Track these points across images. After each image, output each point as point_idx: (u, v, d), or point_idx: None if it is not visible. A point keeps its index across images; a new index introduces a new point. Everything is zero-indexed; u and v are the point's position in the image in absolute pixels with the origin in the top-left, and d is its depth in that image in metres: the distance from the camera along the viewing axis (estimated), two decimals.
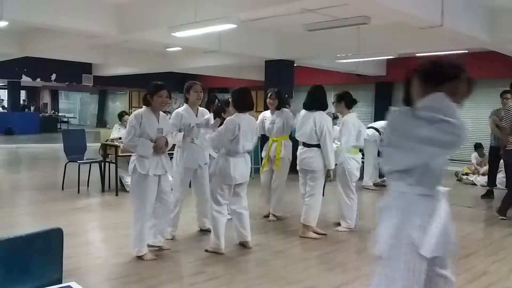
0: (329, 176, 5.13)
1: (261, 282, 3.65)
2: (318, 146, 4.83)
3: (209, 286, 3.59)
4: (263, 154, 5.61)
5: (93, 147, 9.29)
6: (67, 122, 23.61)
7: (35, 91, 26.75)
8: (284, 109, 5.57)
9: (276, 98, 5.54)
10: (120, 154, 6.78)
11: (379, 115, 12.96)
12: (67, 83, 17.17)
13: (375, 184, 8.24)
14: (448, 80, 1.98)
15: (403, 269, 2.00)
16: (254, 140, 4.51)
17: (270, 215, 5.71)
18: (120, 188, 7.09)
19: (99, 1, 7.16)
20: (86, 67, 15.85)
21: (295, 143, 5.35)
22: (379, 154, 8.56)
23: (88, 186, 7.44)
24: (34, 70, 14.95)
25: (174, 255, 4.35)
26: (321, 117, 4.85)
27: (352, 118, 5.28)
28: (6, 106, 21.97)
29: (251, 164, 9.34)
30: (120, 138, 6.90)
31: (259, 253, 4.47)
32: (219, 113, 4.60)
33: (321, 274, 3.91)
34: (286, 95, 6.62)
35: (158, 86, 4.03)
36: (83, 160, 7.31)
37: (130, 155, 7.04)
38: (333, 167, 4.94)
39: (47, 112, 24.57)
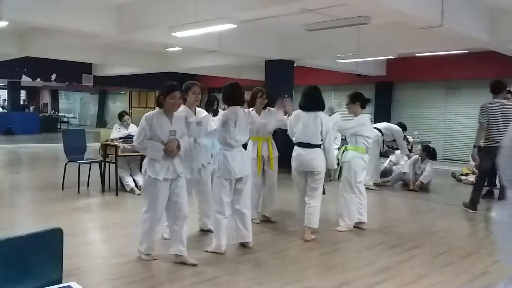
0: (330, 176, 5.10)
1: (261, 282, 3.65)
2: (319, 146, 4.82)
3: (209, 286, 3.59)
4: (254, 155, 5.38)
5: (93, 147, 9.28)
6: (67, 122, 23.60)
7: (35, 91, 26.76)
8: (271, 108, 5.50)
9: (267, 98, 5.47)
10: (120, 154, 6.78)
11: (379, 115, 12.96)
12: (67, 83, 17.18)
13: (375, 184, 8.24)
14: None
15: None
16: (247, 133, 4.55)
17: (261, 216, 5.58)
18: (120, 188, 7.09)
19: (99, 1, 7.16)
20: (86, 67, 15.86)
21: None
22: (381, 154, 8.60)
23: (88, 186, 7.44)
24: (34, 70, 14.95)
25: (173, 255, 4.34)
26: (326, 118, 4.85)
27: (366, 117, 5.29)
28: (6, 106, 21.97)
29: None
30: (120, 138, 6.91)
31: (259, 253, 4.47)
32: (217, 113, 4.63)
33: (321, 274, 3.91)
34: (286, 95, 6.58)
35: (171, 87, 3.90)
36: (83, 160, 7.31)
37: (130, 155, 7.14)
38: (335, 166, 4.95)
39: (47, 112, 24.57)
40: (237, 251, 4.50)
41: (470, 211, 6.38)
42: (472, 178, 9.10)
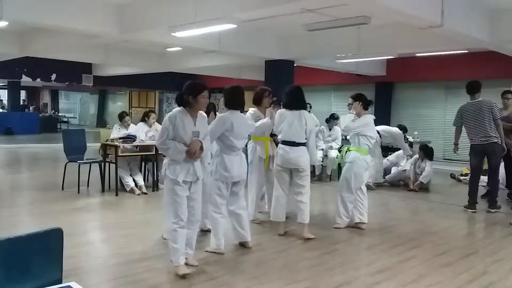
0: (313, 172, 5.15)
1: (261, 282, 3.65)
2: (304, 144, 4.85)
3: (209, 286, 3.59)
4: (263, 154, 5.48)
5: (93, 147, 9.28)
6: (67, 122, 23.61)
7: (35, 91, 26.76)
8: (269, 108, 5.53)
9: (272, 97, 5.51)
10: (120, 154, 6.78)
11: (379, 115, 12.95)
12: (67, 83, 17.18)
13: (375, 184, 8.24)
14: None
15: None
16: (246, 138, 4.57)
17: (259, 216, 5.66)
18: (120, 188, 7.09)
19: (99, 1, 7.16)
20: (86, 67, 15.86)
21: None
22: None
23: (88, 186, 7.44)
24: (34, 70, 14.96)
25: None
26: (309, 117, 4.93)
27: (369, 118, 5.30)
28: (6, 106, 21.97)
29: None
30: (120, 138, 6.91)
31: (259, 253, 4.47)
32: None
33: (321, 274, 3.90)
34: None
35: (202, 86, 3.79)
36: (83, 160, 7.30)
37: (130, 155, 7.14)
38: (317, 163, 5.00)
39: (47, 112, 24.57)
40: (237, 251, 4.50)
41: (469, 211, 6.39)
42: None
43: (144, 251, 4.36)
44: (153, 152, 7.12)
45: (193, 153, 3.68)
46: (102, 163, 7.16)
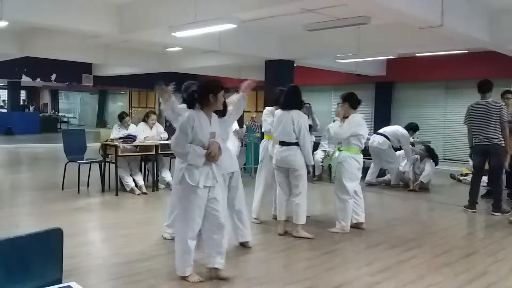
0: (309, 173, 5.10)
1: (261, 282, 3.65)
2: (296, 144, 4.85)
3: (209, 286, 3.58)
4: (273, 153, 5.49)
5: (93, 147, 9.28)
6: (67, 122, 23.61)
7: (35, 91, 26.75)
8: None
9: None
10: (120, 154, 6.78)
11: (379, 115, 12.98)
12: (67, 83, 17.18)
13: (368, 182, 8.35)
14: None
15: None
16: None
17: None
18: (120, 188, 7.09)
19: (99, 1, 7.16)
20: (86, 67, 15.86)
21: None
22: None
23: (88, 186, 7.44)
24: (34, 70, 14.95)
25: (173, 255, 4.34)
26: (298, 116, 4.88)
27: (358, 117, 5.28)
28: (6, 106, 21.98)
29: (251, 164, 9.34)
30: (120, 138, 6.91)
31: (259, 253, 4.48)
32: None
33: (321, 274, 3.90)
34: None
35: (221, 83, 3.57)
36: (83, 160, 7.30)
37: (130, 155, 7.14)
38: (312, 163, 4.98)
39: (47, 112, 24.57)
40: (237, 251, 4.49)
41: (469, 211, 6.39)
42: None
43: (144, 251, 4.36)
44: (153, 152, 7.12)
45: (213, 156, 3.48)
46: (102, 163, 7.16)
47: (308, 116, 5.71)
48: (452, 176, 9.54)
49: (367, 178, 8.42)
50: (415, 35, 7.44)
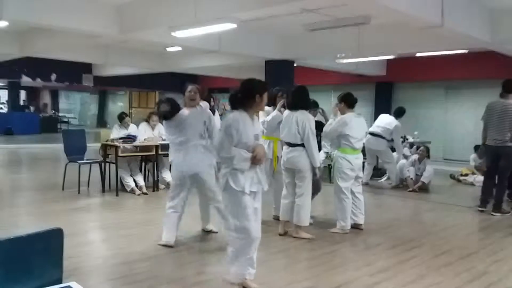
0: (315, 175, 5.08)
1: (261, 282, 3.64)
2: (302, 145, 4.84)
3: (209, 286, 3.59)
4: (270, 154, 5.41)
5: (93, 147, 9.28)
6: (67, 122, 23.61)
7: (35, 91, 26.74)
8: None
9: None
10: (120, 155, 6.78)
11: (379, 115, 12.97)
12: (67, 83, 17.18)
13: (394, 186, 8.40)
14: None
15: None
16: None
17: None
18: (120, 188, 7.09)
19: (99, 1, 7.17)
20: (86, 67, 15.87)
21: None
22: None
23: (88, 186, 7.44)
24: (34, 70, 14.97)
25: (174, 255, 4.35)
26: (303, 117, 4.83)
27: (347, 117, 5.25)
28: (6, 106, 21.99)
29: None
30: (120, 138, 6.90)
31: (259, 253, 4.45)
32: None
33: (321, 274, 3.90)
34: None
35: (266, 84, 3.43)
36: (83, 160, 7.30)
37: (130, 155, 7.14)
38: (318, 165, 4.94)
39: (47, 112, 24.55)
40: None
41: (478, 208, 6.38)
42: (471, 178, 9.11)
43: (144, 251, 4.36)
44: (153, 153, 7.12)
45: (258, 159, 3.27)
46: (102, 163, 7.16)
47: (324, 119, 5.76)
48: (452, 176, 9.53)
49: (363, 179, 8.43)
50: (415, 35, 7.45)
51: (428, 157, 8.27)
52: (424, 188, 8.12)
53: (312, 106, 5.13)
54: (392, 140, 8.47)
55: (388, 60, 12.03)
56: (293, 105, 4.93)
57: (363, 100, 12.66)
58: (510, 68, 9.86)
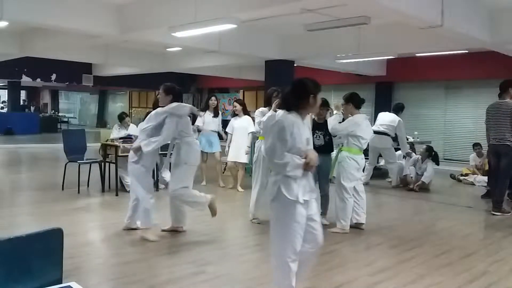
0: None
1: (261, 282, 3.65)
2: None
3: (209, 286, 3.59)
4: None
5: (93, 147, 9.28)
6: (67, 122, 23.62)
7: (35, 91, 26.76)
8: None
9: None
10: (120, 154, 6.78)
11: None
12: (67, 83, 17.18)
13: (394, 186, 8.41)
14: None
15: None
16: None
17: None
18: (120, 188, 7.09)
19: (99, 1, 7.17)
20: (86, 67, 15.86)
21: None
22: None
23: (88, 186, 7.44)
24: (34, 70, 14.96)
25: (174, 255, 4.35)
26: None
27: (361, 117, 5.28)
28: (6, 106, 21.99)
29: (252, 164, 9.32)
30: (120, 138, 6.90)
31: (259, 253, 4.47)
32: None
33: (321, 274, 3.90)
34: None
35: (319, 84, 3.14)
36: (83, 160, 7.30)
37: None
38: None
39: (47, 112, 24.57)
40: (237, 251, 4.50)
41: (497, 213, 6.35)
42: (471, 178, 9.11)
43: (144, 251, 4.36)
44: None
45: (312, 165, 3.00)
46: (102, 163, 7.16)
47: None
48: (452, 176, 9.54)
49: (364, 179, 8.44)
50: (415, 35, 7.45)
51: (430, 156, 8.26)
52: (424, 188, 8.12)
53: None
54: (396, 138, 8.48)
55: (388, 60, 12.03)
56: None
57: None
58: (510, 68, 9.86)
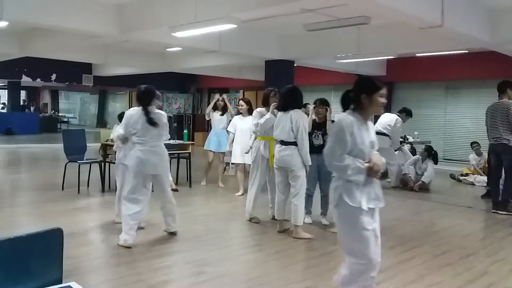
0: (306, 173, 5.07)
1: (261, 282, 3.65)
2: (295, 144, 4.84)
3: (209, 286, 3.59)
4: (266, 153, 5.45)
5: (93, 147, 9.29)
6: (67, 122, 23.62)
7: (35, 91, 26.76)
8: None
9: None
10: None
11: (378, 115, 12.97)
12: (67, 83, 17.18)
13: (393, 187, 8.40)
14: None
15: None
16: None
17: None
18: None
19: (99, 1, 7.17)
20: (86, 67, 15.85)
21: None
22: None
23: (88, 186, 7.44)
24: (34, 70, 14.96)
25: (174, 255, 4.35)
26: (297, 115, 4.86)
27: None
28: (6, 106, 21.98)
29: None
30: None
31: (259, 253, 4.48)
32: None
33: (321, 274, 3.90)
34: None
35: (380, 82, 2.94)
36: (83, 160, 7.30)
37: None
38: (310, 163, 4.93)
39: (47, 112, 24.57)
40: (237, 251, 4.50)
41: (502, 212, 6.34)
42: (472, 178, 9.11)
43: (144, 251, 4.36)
44: None
45: (376, 170, 2.77)
46: (102, 163, 7.16)
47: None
48: (452, 176, 9.54)
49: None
50: (415, 35, 7.44)
51: (430, 156, 8.26)
52: (424, 188, 8.12)
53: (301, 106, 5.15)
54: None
55: (388, 60, 12.03)
56: (285, 106, 4.94)
57: None
58: (510, 68, 9.86)
